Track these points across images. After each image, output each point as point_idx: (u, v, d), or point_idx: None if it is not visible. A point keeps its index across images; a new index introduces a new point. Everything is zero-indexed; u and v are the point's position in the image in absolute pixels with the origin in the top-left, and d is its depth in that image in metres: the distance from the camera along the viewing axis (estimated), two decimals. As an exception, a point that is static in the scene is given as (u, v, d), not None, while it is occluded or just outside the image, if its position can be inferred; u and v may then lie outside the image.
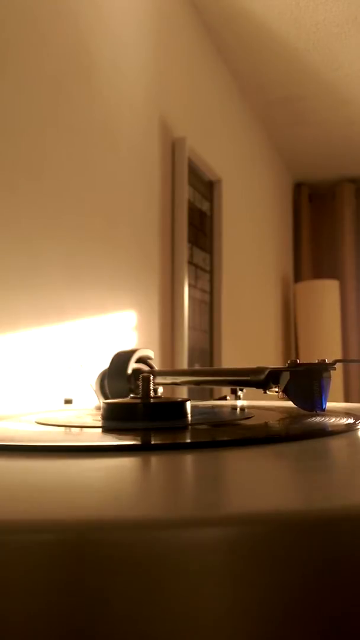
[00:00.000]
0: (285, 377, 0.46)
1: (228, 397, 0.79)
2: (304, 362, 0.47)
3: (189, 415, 0.45)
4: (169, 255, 1.74)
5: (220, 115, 2.31)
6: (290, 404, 0.48)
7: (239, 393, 0.69)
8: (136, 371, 0.66)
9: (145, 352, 0.69)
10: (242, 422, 0.46)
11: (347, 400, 3.37)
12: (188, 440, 0.34)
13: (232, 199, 2.35)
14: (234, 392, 0.69)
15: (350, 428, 0.39)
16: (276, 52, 2.28)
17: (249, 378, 0.49)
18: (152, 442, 0.33)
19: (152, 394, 0.46)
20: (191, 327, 1.91)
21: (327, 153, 3.25)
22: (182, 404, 0.45)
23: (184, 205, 1.78)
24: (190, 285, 1.90)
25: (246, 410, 0.58)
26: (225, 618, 0.16)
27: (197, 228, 2.01)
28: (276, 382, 0.47)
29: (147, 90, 1.60)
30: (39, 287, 1.08)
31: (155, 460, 0.28)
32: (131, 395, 0.53)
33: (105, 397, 0.68)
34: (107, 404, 0.45)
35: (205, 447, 0.32)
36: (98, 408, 0.69)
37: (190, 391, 1.61)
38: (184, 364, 1.72)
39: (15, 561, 0.16)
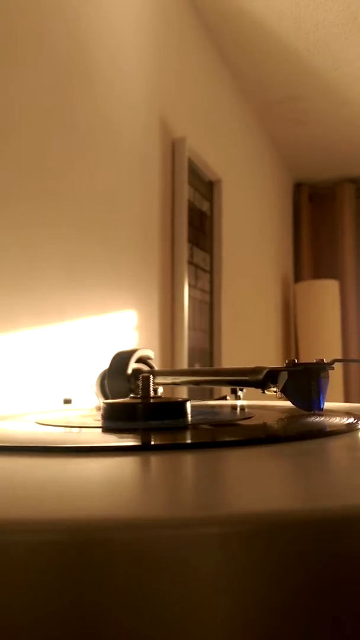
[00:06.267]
0: (283, 377, 0.46)
1: (228, 397, 0.79)
2: (303, 361, 0.47)
3: (189, 415, 0.45)
4: (169, 255, 1.74)
5: (220, 115, 2.31)
6: (290, 403, 0.48)
7: (239, 393, 0.69)
8: (136, 371, 0.66)
9: (145, 352, 0.70)
10: (242, 422, 0.46)
11: (347, 400, 3.37)
12: (188, 441, 0.35)
13: (232, 199, 2.35)
14: (234, 392, 0.69)
15: (350, 428, 0.39)
16: (276, 52, 2.28)
17: (247, 378, 0.49)
18: (152, 442, 0.33)
19: (152, 394, 0.46)
20: (191, 327, 1.91)
21: (327, 153, 3.25)
22: (182, 404, 0.45)
23: (184, 205, 1.78)
24: (190, 285, 1.90)
25: (246, 410, 0.58)
26: (225, 617, 0.16)
27: (197, 228, 2.01)
28: (274, 382, 0.47)
29: (147, 90, 1.60)
30: (39, 287, 1.08)
31: (155, 460, 0.28)
32: (131, 395, 0.53)
33: (105, 397, 0.69)
34: (107, 404, 0.45)
35: (205, 447, 0.32)
36: (98, 408, 0.69)
37: (190, 391, 1.61)
38: (184, 364, 1.72)
39: (16, 561, 0.16)
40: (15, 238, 1.03)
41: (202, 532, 0.16)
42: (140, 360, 0.69)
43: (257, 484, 0.22)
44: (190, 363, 1.89)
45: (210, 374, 0.64)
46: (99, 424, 0.44)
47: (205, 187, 2.10)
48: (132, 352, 0.68)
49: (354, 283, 3.48)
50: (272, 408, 0.59)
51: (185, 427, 0.41)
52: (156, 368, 0.70)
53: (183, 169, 1.78)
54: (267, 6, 2.01)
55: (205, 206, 2.10)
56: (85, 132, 1.27)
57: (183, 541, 0.16)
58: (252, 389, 0.51)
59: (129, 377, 0.65)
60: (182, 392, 1.60)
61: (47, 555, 0.16)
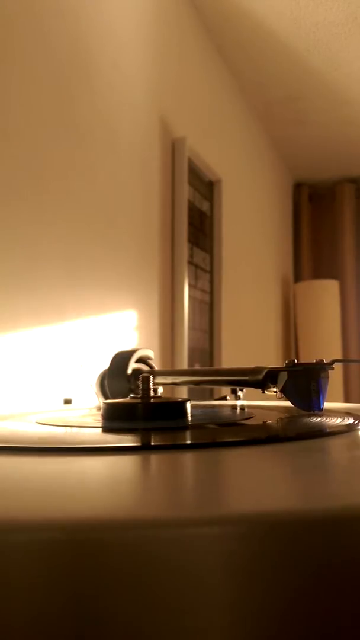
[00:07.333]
0: (283, 377, 0.46)
1: (228, 397, 0.79)
2: (303, 362, 0.47)
3: (189, 415, 0.45)
4: (169, 255, 1.74)
5: (220, 115, 2.31)
6: (290, 403, 0.48)
7: (239, 393, 0.69)
8: (136, 371, 0.66)
9: (145, 352, 0.70)
10: (242, 422, 0.46)
11: (347, 400, 3.37)
12: (188, 441, 0.35)
13: (232, 199, 2.35)
14: (234, 392, 0.69)
15: (350, 428, 0.39)
16: (276, 52, 2.28)
17: (247, 378, 0.49)
18: (152, 443, 0.33)
19: (152, 394, 0.46)
20: (191, 327, 1.91)
21: (327, 153, 3.25)
22: (182, 404, 0.45)
23: (184, 205, 1.78)
24: (190, 285, 1.90)
25: (246, 410, 0.58)
26: (225, 617, 0.16)
27: (197, 228, 2.01)
28: (274, 382, 0.47)
29: (147, 90, 1.60)
30: (39, 287, 1.08)
31: (155, 460, 0.28)
32: (131, 395, 0.53)
33: (105, 397, 0.69)
34: (107, 404, 0.45)
35: (205, 447, 0.32)
36: (98, 408, 0.69)
37: (190, 391, 1.61)
38: (184, 364, 1.72)
39: (15, 560, 0.16)
40: (15, 238, 1.03)
41: (201, 532, 0.16)
42: (140, 360, 0.69)
43: (257, 484, 0.22)
44: (190, 363, 1.89)
45: (210, 374, 0.64)
46: (99, 424, 0.44)
47: (205, 187, 2.10)
48: (132, 352, 0.68)
49: (354, 283, 3.48)
50: (272, 408, 0.59)
51: (185, 427, 0.41)
52: (156, 368, 0.70)
53: (183, 169, 1.78)
54: (267, 6, 2.01)
55: (205, 206, 2.10)
56: (85, 132, 1.27)
57: (183, 541, 0.16)
58: (252, 389, 0.51)
59: (129, 377, 0.65)
60: (182, 392, 1.60)
61: (47, 555, 0.16)
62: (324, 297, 3.14)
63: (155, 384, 0.55)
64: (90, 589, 0.16)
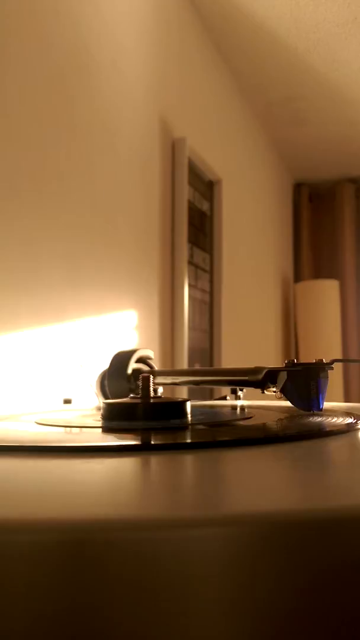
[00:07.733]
0: (282, 377, 0.46)
1: (228, 397, 0.79)
2: (303, 362, 0.47)
3: (189, 415, 0.45)
4: (169, 255, 1.74)
5: (220, 115, 2.31)
6: (289, 403, 0.48)
7: (239, 393, 0.69)
8: (136, 371, 0.66)
9: (145, 352, 0.70)
10: (242, 422, 0.46)
11: (347, 400, 3.37)
12: (188, 441, 0.35)
13: (232, 199, 2.35)
14: (234, 392, 0.69)
15: (350, 428, 0.39)
16: (276, 52, 2.28)
17: (246, 378, 0.49)
18: (152, 442, 0.33)
19: (152, 394, 0.46)
20: (191, 327, 1.91)
21: (327, 153, 3.25)
22: (182, 404, 0.45)
23: (184, 205, 1.78)
24: (190, 285, 1.90)
25: (246, 410, 0.58)
26: (224, 618, 0.16)
27: (197, 228, 2.01)
28: (274, 382, 0.47)
29: (147, 90, 1.60)
30: (39, 287, 1.08)
31: (155, 460, 0.28)
32: (131, 395, 0.53)
33: (105, 397, 0.69)
34: (107, 404, 0.45)
35: (205, 447, 0.32)
36: (98, 408, 0.69)
37: (190, 391, 1.61)
38: (184, 364, 1.72)
39: (15, 561, 0.16)
40: (16, 238, 1.03)
41: (201, 532, 0.16)
42: (140, 360, 0.69)
43: (257, 484, 0.22)
44: (190, 363, 1.89)
45: (210, 374, 0.64)
46: (99, 424, 0.44)
47: (205, 187, 2.10)
48: (132, 352, 0.68)
49: (354, 283, 3.48)
50: (272, 408, 0.59)
51: (185, 427, 0.41)
52: (156, 368, 0.70)
53: (183, 169, 1.78)
54: (267, 6, 2.01)
55: (205, 206, 2.10)
56: (85, 132, 1.27)
57: (183, 541, 0.16)
58: (252, 389, 0.51)
59: (129, 377, 0.65)
60: (182, 392, 1.60)
61: (46, 555, 0.16)
62: (324, 297, 3.14)
63: (155, 384, 0.55)
64: (89, 590, 0.16)
